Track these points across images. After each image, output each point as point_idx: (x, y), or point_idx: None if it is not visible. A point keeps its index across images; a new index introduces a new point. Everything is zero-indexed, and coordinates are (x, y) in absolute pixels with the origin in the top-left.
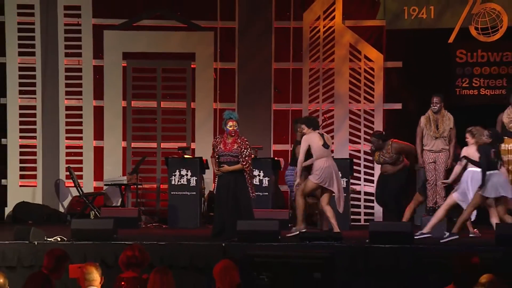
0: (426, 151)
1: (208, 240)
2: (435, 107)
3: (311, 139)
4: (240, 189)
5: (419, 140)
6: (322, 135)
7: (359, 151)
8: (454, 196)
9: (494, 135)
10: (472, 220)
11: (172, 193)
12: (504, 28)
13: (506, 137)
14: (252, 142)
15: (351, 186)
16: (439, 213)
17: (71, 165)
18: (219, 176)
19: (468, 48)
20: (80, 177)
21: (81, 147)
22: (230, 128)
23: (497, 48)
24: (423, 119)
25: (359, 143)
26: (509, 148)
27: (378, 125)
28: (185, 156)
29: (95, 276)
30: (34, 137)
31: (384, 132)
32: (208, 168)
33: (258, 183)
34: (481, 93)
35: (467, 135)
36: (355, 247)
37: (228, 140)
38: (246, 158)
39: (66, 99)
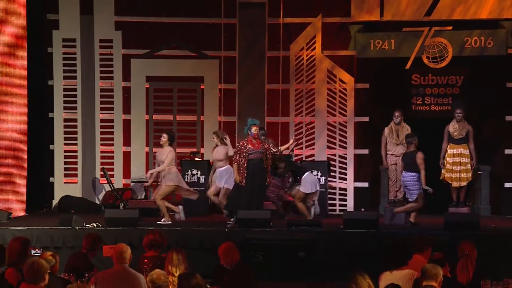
0: (389, 155)
1: (214, 226)
2: (397, 120)
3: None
4: (264, 178)
5: (383, 146)
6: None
7: (335, 155)
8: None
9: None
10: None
11: None
12: (449, 58)
13: (451, 143)
14: None
15: (329, 183)
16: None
17: (105, 166)
18: (249, 168)
19: (421, 73)
20: (112, 175)
21: (112, 152)
22: (255, 132)
23: (444, 73)
24: (386, 129)
25: (335, 148)
26: (454, 152)
27: (350, 135)
28: (196, 159)
29: (126, 255)
30: (75, 144)
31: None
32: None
33: None
34: (431, 109)
35: (213, 136)
36: (332, 232)
37: (253, 141)
38: (271, 151)
39: (101, 113)
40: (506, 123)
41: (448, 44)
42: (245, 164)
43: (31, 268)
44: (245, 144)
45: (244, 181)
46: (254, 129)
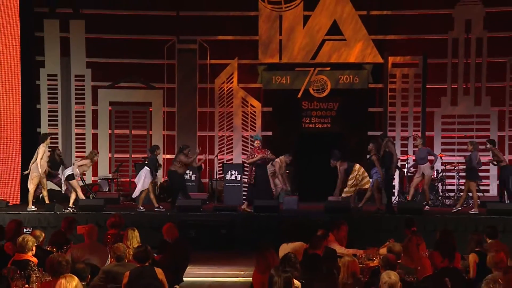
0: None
1: (159, 211)
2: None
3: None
4: (266, 177)
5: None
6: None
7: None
8: None
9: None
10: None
11: None
12: (328, 90)
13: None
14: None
15: (243, 179)
16: None
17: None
18: (257, 169)
19: (309, 100)
20: (84, 174)
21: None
22: (256, 145)
23: (325, 100)
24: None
25: (246, 155)
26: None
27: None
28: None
29: (94, 232)
30: None
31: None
32: (160, 167)
33: (188, 178)
34: (316, 126)
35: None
36: (245, 215)
37: (259, 151)
38: (269, 158)
39: (76, 129)
40: (368, 136)
41: (327, 80)
42: (253, 168)
43: (23, 242)
44: (252, 153)
45: (253, 180)
46: (255, 143)
